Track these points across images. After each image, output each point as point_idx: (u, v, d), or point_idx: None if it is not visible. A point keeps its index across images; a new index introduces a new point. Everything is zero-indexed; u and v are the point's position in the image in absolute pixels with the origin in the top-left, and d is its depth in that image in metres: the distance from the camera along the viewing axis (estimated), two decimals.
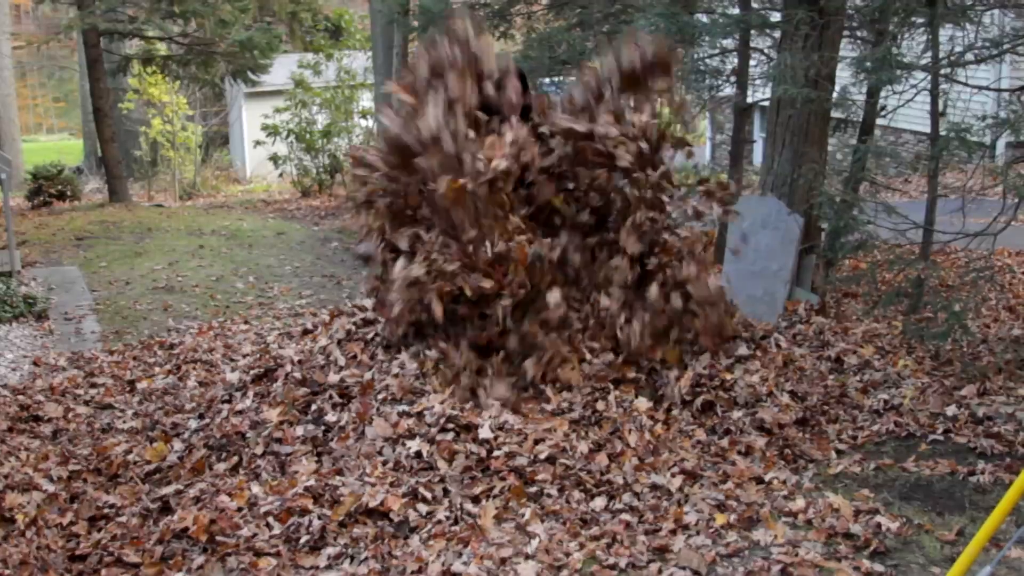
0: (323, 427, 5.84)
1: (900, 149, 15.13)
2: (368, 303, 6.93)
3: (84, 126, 33.43)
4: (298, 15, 23.85)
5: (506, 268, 6.06)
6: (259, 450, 5.83)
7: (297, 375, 6.28)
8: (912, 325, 7.70)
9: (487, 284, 6.04)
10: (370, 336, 6.49)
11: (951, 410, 6.25)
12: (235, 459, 5.86)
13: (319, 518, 4.99)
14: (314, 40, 24.64)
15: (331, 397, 5.97)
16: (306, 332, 7.20)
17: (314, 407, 5.97)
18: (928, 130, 8.54)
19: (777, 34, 9.98)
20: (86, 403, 7.51)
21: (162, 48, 22.56)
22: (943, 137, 8.10)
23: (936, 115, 8.37)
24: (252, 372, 6.65)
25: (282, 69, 22.46)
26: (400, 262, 6.32)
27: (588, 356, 6.10)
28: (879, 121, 9.70)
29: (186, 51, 21.39)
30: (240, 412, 6.24)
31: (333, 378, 6.09)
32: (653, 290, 6.29)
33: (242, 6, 20.47)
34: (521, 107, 6.69)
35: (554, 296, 6.13)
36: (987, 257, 8.67)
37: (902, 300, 8.33)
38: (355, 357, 6.29)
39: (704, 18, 10.86)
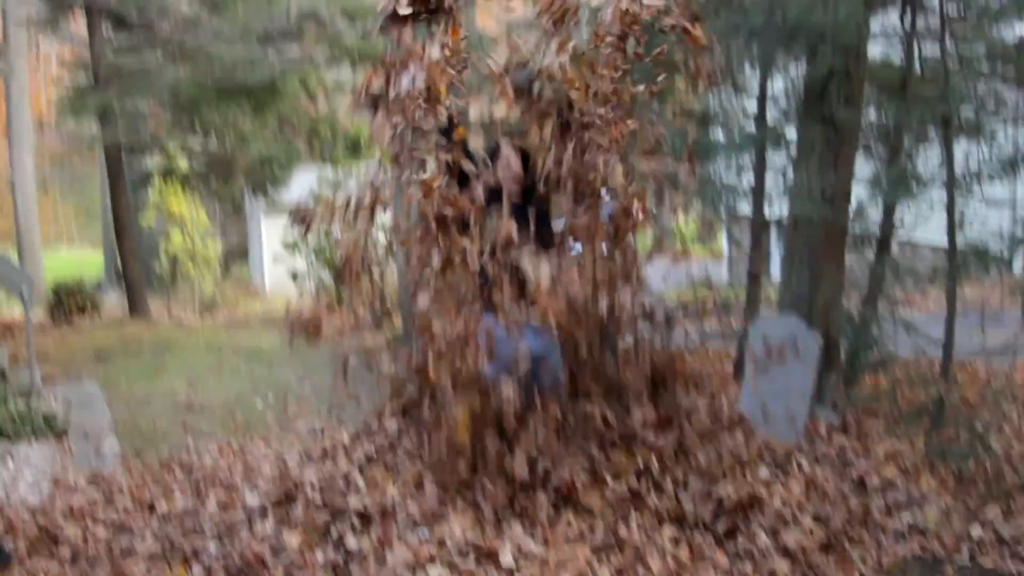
0: (344, 553, 5.81)
1: (917, 262, 15.18)
2: (390, 425, 6.92)
3: (105, 239, 33.77)
4: (317, 129, 24.16)
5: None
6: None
7: (317, 499, 6.26)
8: (934, 444, 7.66)
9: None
10: (391, 459, 6.47)
11: (976, 531, 6.19)
12: None
13: None
14: (333, 154, 24.92)
15: (352, 522, 5.95)
16: (326, 454, 7.18)
17: (335, 532, 5.94)
18: (945, 242, 8.57)
19: (793, 151, 10.06)
20: (105, 525, 7.48)
21: (183, 163, 22.85)
22: (961, 252, 8.13)
23: (953, 231, 8.41)
24: (272, 495, 6.63)
25: (301, 184, 22.67)
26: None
27: (609, 481, 6.08)
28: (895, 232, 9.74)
29: (206, 166, 21.66)
30: (260, 536, 6.21)
31: (354, 502, 6.06)
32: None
33: (262, 121, 20.76)
34: (522, 192, 6.68)
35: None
36: (1008, 374, 8.65)
37: (923, 418, 8.29)
38: (376, 481, 6.26)
39: (721, 135, 10.97)
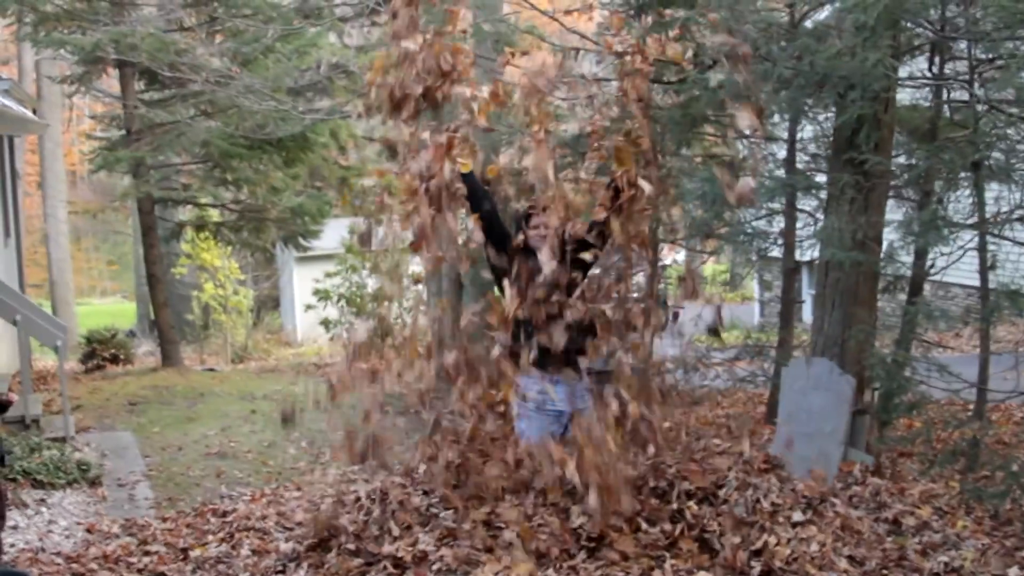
0: None
1: (950, 303, 15.13)
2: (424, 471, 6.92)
3: (137, 290, 34.02)
4: (348, 181, 24.25)
5: None
6: None
7: (351, 546, 6.25)
8: (970, 485, 7.62)
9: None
10: (425, 505, 6.47)
11: (1013, 572, 6.14)
12: None
13: None
14: (363, 205, 24.98)
15: (386, 568, 5.94)
16: (359, 500, 7.18)
17: None
18: (977, 283, 8.57)
19: (823, 195, 10.08)
20: (139, 571, 7.50)
21: (215, 214, 23.00)
22: (994, 292, 8.13)
23: (985, 272, 8.40)
24: (305, 542, 6.63)
25: (332, 233, 22.78)
26: None
27: (644, 525, 6.06)
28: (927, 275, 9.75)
29: (238, 217, 21.80)
30: None
31: (388, 549, 6.05)
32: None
33: (293, 173, 20.90)
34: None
35: None
36: None
37: (958, 459, 8.26)
38: (409, 527, 6.26)
39: (751, 181, 11.00)
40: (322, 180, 23.62)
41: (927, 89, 9.70)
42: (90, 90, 22.26)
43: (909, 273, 9.53)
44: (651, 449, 6.45)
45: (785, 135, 11.35)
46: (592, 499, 5.86)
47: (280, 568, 6.54)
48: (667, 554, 5.95)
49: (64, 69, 23.90)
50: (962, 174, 8.72)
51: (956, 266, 8.96)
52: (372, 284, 21.95)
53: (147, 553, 7.94)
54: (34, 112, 18.86)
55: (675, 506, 6.16)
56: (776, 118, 10.91)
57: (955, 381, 8.18)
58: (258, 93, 17.63)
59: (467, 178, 6.71)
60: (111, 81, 23.97)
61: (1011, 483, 7.09)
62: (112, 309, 41.58)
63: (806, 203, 11.50)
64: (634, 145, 6.66)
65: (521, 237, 6.71)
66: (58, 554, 7.94)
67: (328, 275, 22.29)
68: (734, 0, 8.47)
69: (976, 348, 8.96)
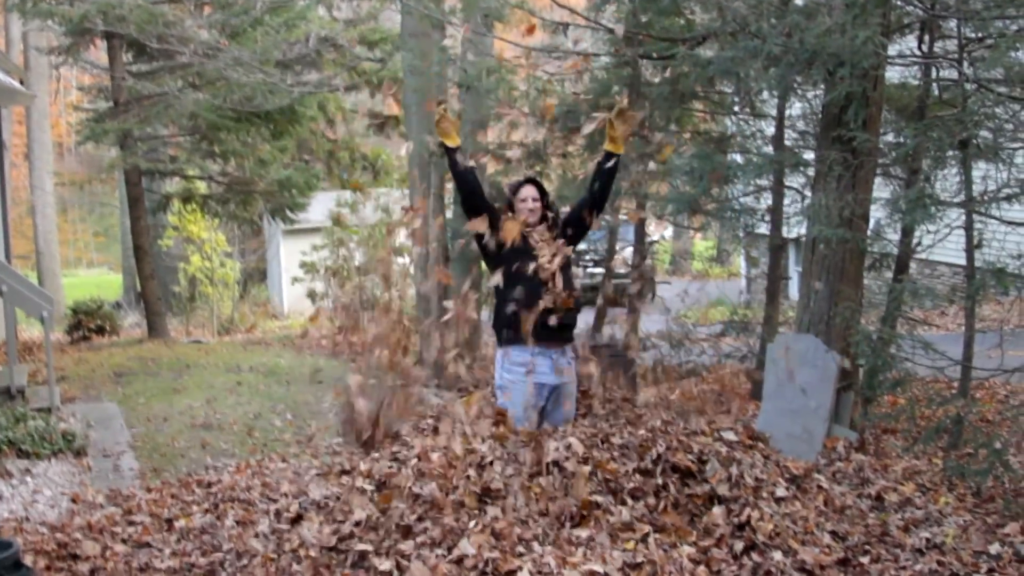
0: (363, 571, 5.80)
1: (936, 282, 15.16)
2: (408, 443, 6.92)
3: (124, 261, 33.95)
4: (336, 154, 24.19)
5: None
6: None
7: (336, 516, 6.25)
8: (952, 462, 7.65)
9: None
10: (409, 481, 6.46)
11: (994, 548, 6.17)
12: None
13: None
14: (351, 178, 24.93)
15: (371, 540, 5.94)
16: (344, 472, 7.18)
17: (354, 551, 5.94)
18: (963, 261, 8.58)
19: (811, 172, 10.09)
20: (124, 541, 7.49)
21: (202, 186, 22.95)
22: (979, 271, 8.14)
23: (971, 251, 8.42)
24: (290, 513, 6.63)
25: (320, 206, 22.73)
26: None
27: (628, 500, 6.08)
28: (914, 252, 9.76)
29: (225, 190, 21.75)
30: (278, 554, 6.21)
31: (373, 521, 6.05)
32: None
33: (281, 146, 20.86)
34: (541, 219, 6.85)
35: None
36: None
37: (942, 437, 8.29)
38: (394, 499, 6.25)
39: (739, 158, 11.00)
40: (310, 153, 23.58)
41: (916, 67, 9.69)
42: (78, 61, 22.12)
43: (895, 251, 9.54)
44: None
45: (774, 112, 11.35)
46: None
47: (264, 539, 6.54)
48: (651, 528, 5.96)
49: (52, 40, 23.78)
50: (950, 153, 8.71)
51: (942, 244, 8.97)
52: (359, 257, 21.93)
53: (132, 523, 7.94)
54: (21, 83, 18.73)
55: (659, 480, 6.18)
56: (765, 95, 10.90)
57: (940, 359, 8.19)
58: (246, 66, 17.56)
59: (451, 153, 6.79)
60: (99, 52, 23.86)
61: (993, 460, 7.12)
62: (98, 280, 41.51)
63: (794, 180, 11.51)
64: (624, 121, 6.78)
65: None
66: (43, 524, 7.93)
67: (315, 248, 22.26)
68: None
69: (961, 326, 8.97)
